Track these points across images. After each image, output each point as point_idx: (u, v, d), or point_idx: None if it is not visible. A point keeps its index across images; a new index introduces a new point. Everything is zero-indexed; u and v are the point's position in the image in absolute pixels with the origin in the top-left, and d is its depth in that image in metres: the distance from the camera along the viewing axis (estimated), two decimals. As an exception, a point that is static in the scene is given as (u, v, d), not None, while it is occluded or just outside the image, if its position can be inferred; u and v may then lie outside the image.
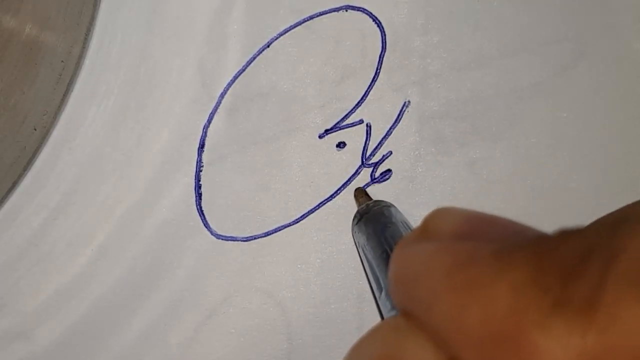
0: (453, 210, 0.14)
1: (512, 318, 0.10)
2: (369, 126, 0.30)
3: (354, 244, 0.29)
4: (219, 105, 0.31)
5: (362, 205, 0.28)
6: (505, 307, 0.10)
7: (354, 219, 0.28)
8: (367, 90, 0.30)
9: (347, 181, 0.30)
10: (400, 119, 0.30)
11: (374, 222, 0.26)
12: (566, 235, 0.11)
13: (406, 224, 0.25)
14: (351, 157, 0.30)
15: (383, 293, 0.22)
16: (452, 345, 0.11)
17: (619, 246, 0.10)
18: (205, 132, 0.30)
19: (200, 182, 0.30)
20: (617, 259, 0.10)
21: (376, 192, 0.30)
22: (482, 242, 0.12)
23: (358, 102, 0.30)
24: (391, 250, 0.23)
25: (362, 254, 0.26)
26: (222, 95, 0.31)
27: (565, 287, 0.10)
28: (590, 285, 0.10)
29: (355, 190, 0.29)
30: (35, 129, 0.30)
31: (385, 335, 0.13)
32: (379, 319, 0.29)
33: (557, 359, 0.10)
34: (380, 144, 0.30)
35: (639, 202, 0.11)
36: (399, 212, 0.27)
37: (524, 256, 0.11)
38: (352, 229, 0.28)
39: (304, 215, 0.30)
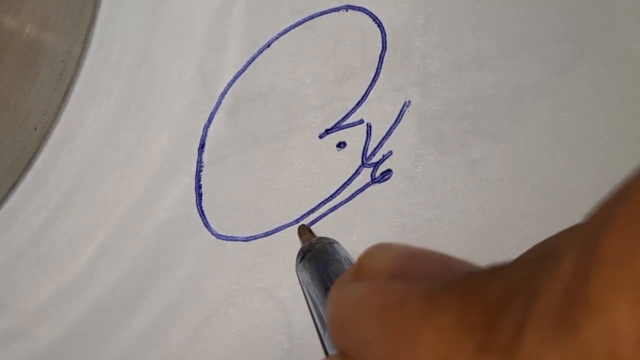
0: (387, 247, 0.14)
1: None
2: (369, 126, 0.30)
3: (298, 282, 0.28)
4: (219, 105, 0.31)
5: (305, 243, 0.27)
6: (432, 352, 0.10)
7: (297, 257, 0.28)
8: (367, 90, 0.30)
9: (347, 181, 0.30)
10: (401, 119, 0.30)
11: (317, 259, 0.26)
12: (492, 274, 0.11)
13: (349, 260, 0.25)
14: (351, 157, 0.30)
15: (327, 331, 0.22)
16: None
17: (538, 286, 0.10)
18: (206, 132, 0.30)
19: (200, 182, 0.30)
20: (536, 300, 0.09)
21: (376, 192, 0.30)
22: (414, 281, 0.12)
23: (358, 102, 0.30)
24: None
25: (306, 292, 0.26)
26: (223, 95, 0.31)
27: (489, 331, 0.10)
28: (511, 328, 0.10)
29: (299, 227, 0.29)
30: (35, 129, 0.30)
31: None
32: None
33: None
34: (380, 144, 0.30)
35: (559, 234, 0.11)
36: (342, 248, 0.27)
37: (451, 298, 0.11)
38: (296, 267, 0.28)
39: (304, 215, 0.30)
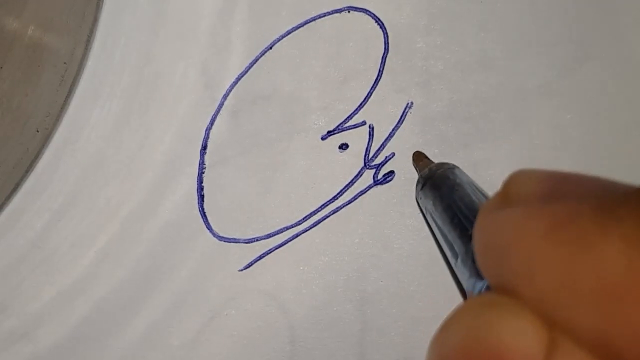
0: (532, 172, 0.13)
1: (631, 271, 0.10)
2: (371, 127, 0.30)
3: (419, 210, 0.28)
4: (221, 107, 0.31)
5: (425, 170, 0.26)
6: (621, 261, 0.10)
7: (417, 185, 0.27)
8: (369, 92, 0.30)
9: (349, 183, 0.30)
10: (403, 120, 0.30)
11: (440, 186, 0.25)
12: None
13: (473, 185, 0.24)
14: (354, 159, 0.30)
15: (459, 260, 0.21)
16: (561, 312, 0.11)
17: None
18: (208, 134, 0.30)
19: (202, 184, 0.30)
20: None
21: (379, 193, 0.30)
22: (574, 200, 0.11)
23: (361, 104, 0.30)
24: (461, 213, 0.22)
25: (430, 220, 0.25)
26: (225, 97, 0.31)
27: None
28: None
29: (414, 154, 0.29)
30: (37, 131, 0.30)
31: (474, 315, 0.12)
32: (382, 321, 0.28)
33: None
34: (383, 145, 0.30)
35: None
36: (464, 173, 0.26)
37: (629, 207, 0.10)
38: (417, 195, 0.27)
39: (306, 217, 0.30)
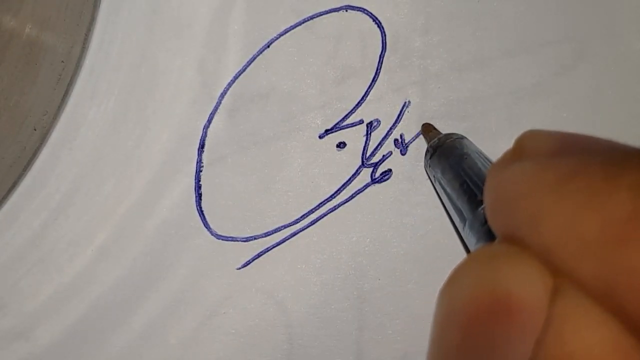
0: (544, 131, 0.14)
1: (635, 218, 0.10)
2: (369, 126, 0.30)
3: (427, 178, 0.29)
4: (219, 106, 0.31)
5: (434, 140, 0.27)
6: (627, 209, 0.10)
7: (426, 154, 0.28)
8: (367, 91, 0.30)
9: (347, 181, 0.30)
10: (401, 119, 0.30)
11: (448, 155, 0.26)
12: None
13: (481, 154, 0.25)
14: (351, 157, 0.30)
15: (467, 225, 0.21)
16: (566, 260, 0.11)
17: None
18: (206, 133, 0.30)
19: (200, 183, 0.30)
20: None
21: (376, 192, 0.30)
22: (583, 155, 0.12)
23: (358, 102, 0.30)
24: (470, 180, 0.23)
25: (439, 188, 0.26)
26: (222, 96, 0.31)
27: None
28: None
29: (423, 125, 0.29)
30: (35, 129, 0.30)
31: (482, 265, 0.12)
32: (379, 319, 0.28)
33: None
34: (380, 144, 0.30)
35: None
36: (472, 143, 0.26)
37: (637, 162, 0.10)
38: (426, 164, 0.28)
39: (304, 215, 0.30)
